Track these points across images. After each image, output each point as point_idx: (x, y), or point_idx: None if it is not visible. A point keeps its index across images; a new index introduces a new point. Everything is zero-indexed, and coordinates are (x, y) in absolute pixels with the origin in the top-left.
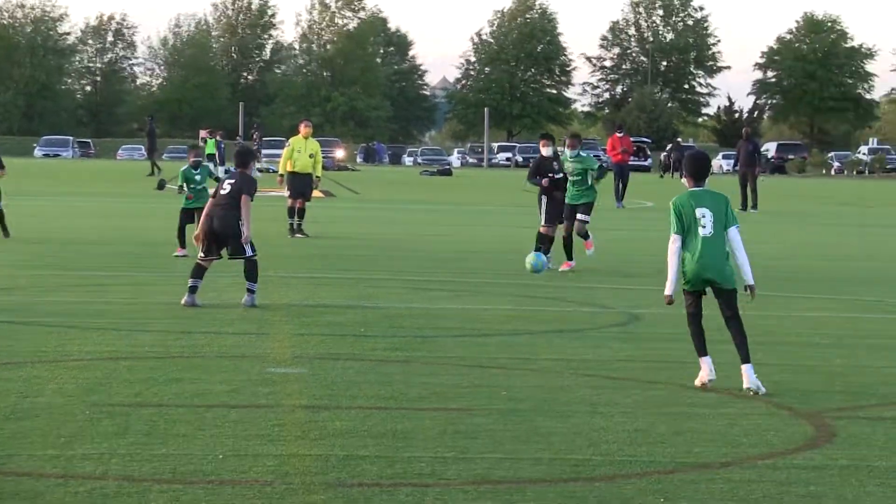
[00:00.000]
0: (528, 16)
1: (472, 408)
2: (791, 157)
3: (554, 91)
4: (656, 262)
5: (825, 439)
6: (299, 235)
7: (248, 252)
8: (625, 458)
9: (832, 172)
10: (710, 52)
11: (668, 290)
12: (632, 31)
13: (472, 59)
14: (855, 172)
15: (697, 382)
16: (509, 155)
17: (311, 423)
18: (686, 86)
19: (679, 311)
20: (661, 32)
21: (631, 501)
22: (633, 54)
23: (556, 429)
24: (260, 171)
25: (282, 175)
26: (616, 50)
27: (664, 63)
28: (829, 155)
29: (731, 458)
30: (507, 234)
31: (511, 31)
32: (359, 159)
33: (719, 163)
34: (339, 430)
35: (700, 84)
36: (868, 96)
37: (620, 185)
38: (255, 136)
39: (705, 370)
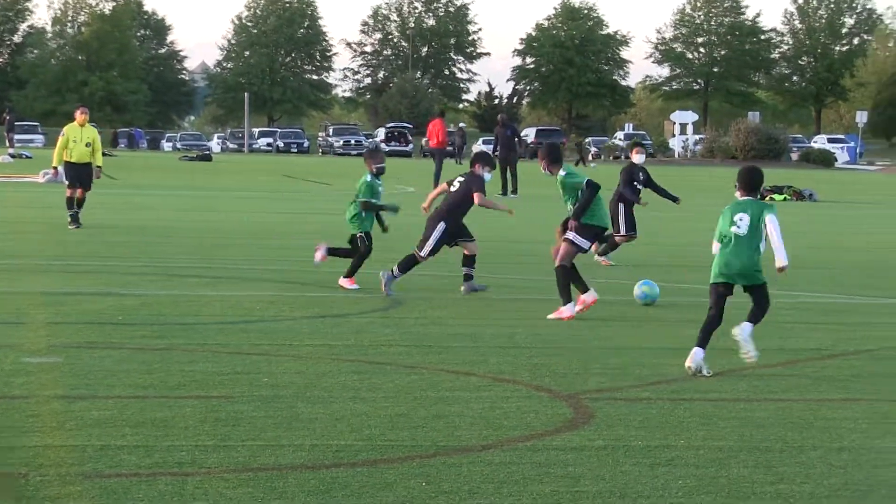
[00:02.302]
0: (286, 0)
1: (233, 395)
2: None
3: (315, 76)
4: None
5: (583, 421)
6: (74, 227)
7: None
8: (386, 442)
9: (590, 157)
10: (470, 39)
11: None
12: (393, 16)
13: (233, 41)
14: (612, 157)
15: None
16: (270, 140)
17: (67, 414)
18: (447, 71)
19: (443, 295)
20: (422, 18)
21: (393, 486)
22: (395, 40)
23: (318, 415)
24: (12, 156)
25: (56, 167)
26: (377, 35)
27: (425, 49)
28: (587, 140)
29: (492, 441)
30: (267, 221)
31: (269, 15)
32: (122, 144)
33: (480, 148)
34: (97, 419)
35: (461, 70)
36: (624, 83)
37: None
38: (6, 121)
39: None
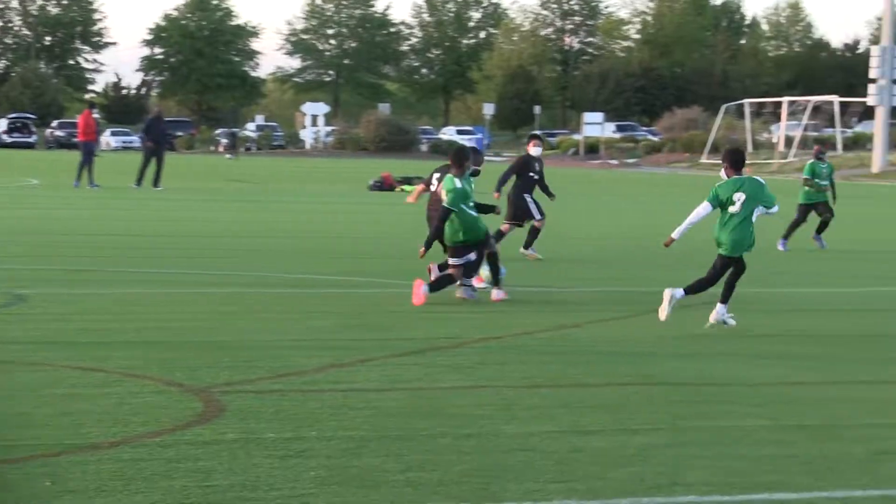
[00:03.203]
0: None
1: None
2: (180, 133)
3: None
4: (58, 242)
5: (214, 414)
6: None
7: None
8: (8, 442)
9: (220, 149)
10: (95, 28)
11: (673, 235)
12: (14, 3)
13: None
14: (244, 149)
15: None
16: None
17: None
18: (72, 61)
19: (67, 291)
20: (46, 7)
21: (16, 486)
22: (16, 28)
23: None
24: None
25: None
26: None
27: (48, 38)
28: (218, 132)
29: (121, 437)
30: None
31: None
32: None
33: (107, 139)
34: None
35: (86, 59)
36: (254, 74)
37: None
38: None
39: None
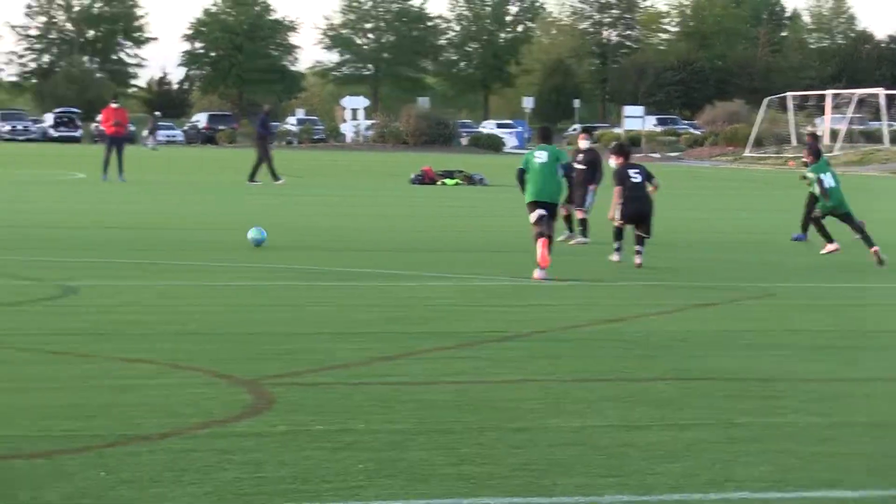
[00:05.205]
0: None
1: None
2: (222, 127)
3: None
4: (103, 235)
5: (264, 406)
6: None
7: None
8: (64, 433)
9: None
10: (137, 24)
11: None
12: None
13: None
14: (284, 143)
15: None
16: None
17: None
18: (114, 56)
19: (116, 283)
20: (88, 2)
21: (72, 477)
22: (60, 23)
23: None
24: None
25: None
26: (42, 19)
27: (91, 33)
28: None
29: (171, 429)
30: None
31: None
32: None
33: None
34: None
35: (128, 55)
36: (294, 68)
37: (115, 158)
38: None
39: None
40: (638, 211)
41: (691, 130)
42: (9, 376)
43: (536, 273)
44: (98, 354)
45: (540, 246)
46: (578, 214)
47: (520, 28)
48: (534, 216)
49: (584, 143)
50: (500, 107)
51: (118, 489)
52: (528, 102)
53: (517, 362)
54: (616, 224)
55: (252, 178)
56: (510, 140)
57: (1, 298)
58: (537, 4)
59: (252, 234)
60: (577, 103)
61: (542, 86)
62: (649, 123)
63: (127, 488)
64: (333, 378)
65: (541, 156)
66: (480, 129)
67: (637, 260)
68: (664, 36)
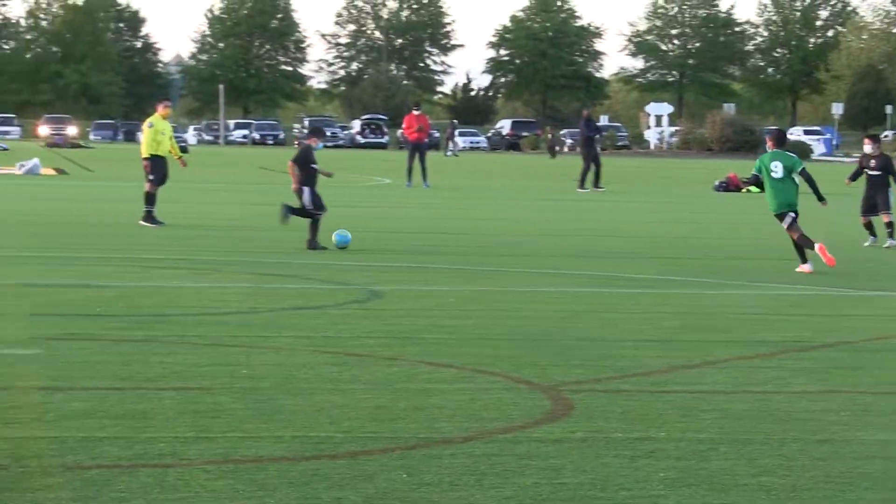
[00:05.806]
0: None
1: (213, 387)
2: (525, 134)
3: (289, 68)
4: (405, 239)
5: (563, 412)
6: (153, 225)
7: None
8: (367, 434)
9: (565, 150)
10: (444, 31)
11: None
12: (367, 8)
13: (207, 32)
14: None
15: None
16: (246, 132)
17: (48, 405)
18: (421, 63)
19: (420, 288)
20: (396, 10)
21: (374, 478)
22: (369, 31)
23: (298, 406)
24: None
25: (147, 159)
26: (351, 27)
27: (399, 40)
28: (563, 132)
29: (473, 433)
30: (244, 212)
31: (243, 6)
32: (93, 136)
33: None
34: (77, 411)
35: (435, 62)
36: (598, 75)
37: (419, 165)
38: None
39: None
40: None
41: None
42: (313, 378)
43: (806, 267)
44: (402, 357)
45: (818, 251)
46: (885, 218)
47: (830, 33)
48: (786, 221)
49: (868, 148)
50: (808, 113)
51: (419, 491)
52: (836, 108)
53: (821, 373)
54: None
55: (581, 184)
56: (818, 147)
57: (307, 301)
58: (849, 9)
59: (337, 236)
60: (889, 109)
61: (852, 91)
62: None
63: (428, 490)
64: (635, 385)
65: (776, 169)
66: (788, 136)
67: None
68: None
